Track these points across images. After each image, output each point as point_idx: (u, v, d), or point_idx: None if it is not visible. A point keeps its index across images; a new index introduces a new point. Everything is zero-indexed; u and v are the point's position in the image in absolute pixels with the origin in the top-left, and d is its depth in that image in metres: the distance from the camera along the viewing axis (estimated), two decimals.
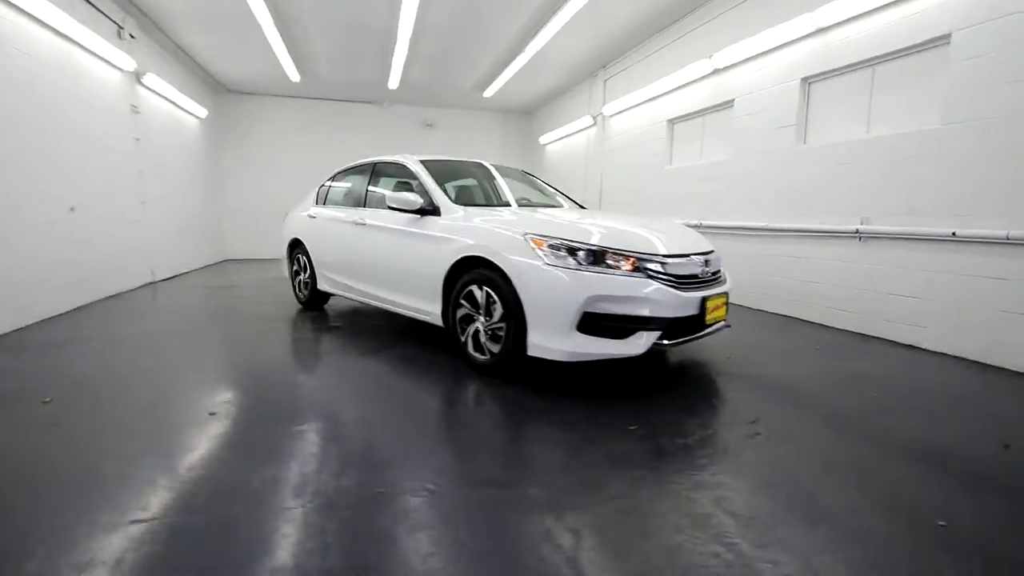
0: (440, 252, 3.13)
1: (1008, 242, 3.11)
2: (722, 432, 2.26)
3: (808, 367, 3.27)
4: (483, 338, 2.89)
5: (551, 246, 2.60)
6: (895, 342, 3.84)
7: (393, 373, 3.05)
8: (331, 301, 5.14)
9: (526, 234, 2.69)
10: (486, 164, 4.22)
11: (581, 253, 2.57)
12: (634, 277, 2.55)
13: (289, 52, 7.13)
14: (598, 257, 2.57)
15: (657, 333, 2.58)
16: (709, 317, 2.75)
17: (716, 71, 5.57)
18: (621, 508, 1.63)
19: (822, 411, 2.52)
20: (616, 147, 7.80)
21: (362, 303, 4.18)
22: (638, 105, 7.12)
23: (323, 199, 4.78)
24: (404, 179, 3.88)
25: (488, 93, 9.33)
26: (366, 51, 7.29)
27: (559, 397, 2.62)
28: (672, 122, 6.53)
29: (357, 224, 4.00)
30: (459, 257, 2.98)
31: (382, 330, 4.13)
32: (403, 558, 1.36)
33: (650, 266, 2.61)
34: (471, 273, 2.93)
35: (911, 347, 3.73)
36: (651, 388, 2.82)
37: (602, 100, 8.13)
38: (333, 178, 4.81)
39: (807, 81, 4.57)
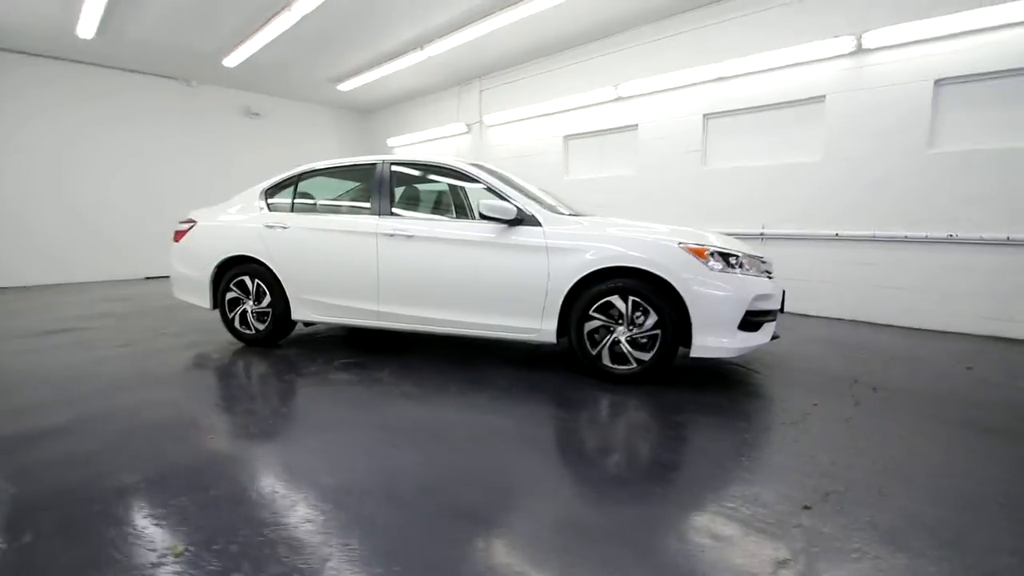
0: (561, 264, 3.00)
1: (874, 239, 4.74)
2: (855, 390, 2.92)
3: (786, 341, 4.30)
4: (625, 348, 2.94)
5: (711, 254, 2.85)
6: (794, 313, 5.30)
7: (550, 423, 2.79)
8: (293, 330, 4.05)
9: (680, 243, 2.87)
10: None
11: (733, 259, 2.90)
12: (764, 277, 3.02)
13: None
14: (742, 262, 2.94)
15: (775, 322, 3.12)
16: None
17: (620, 98, 6.46)
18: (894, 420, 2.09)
19: (860, 368, 3.45)
20: (501, 156, 8.09)
21: (375, 328, 3.52)
22: (529, 119, 7.57)
23: (290, 206, 3.77)
24: (451, 185, 3.46)
25: (346, 87, 8.42)
26: (225, 18, 5.79)
27: (720, 390, 2.91)
28: (568, 138, 7.21)
29: (391, 236, 3.37)
30: (594, 269, 2.94)
31: (417, 358, 3.57)
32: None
33: (763, 266, 3.13)
34: (606, 283, 2.93)
35: (805, 315, 5.22)
36: (723, 376, 3.33)
37: (478, 109, 8.31)
38: (300, 179, 3.83)
39: (707, 117, 5.79)
